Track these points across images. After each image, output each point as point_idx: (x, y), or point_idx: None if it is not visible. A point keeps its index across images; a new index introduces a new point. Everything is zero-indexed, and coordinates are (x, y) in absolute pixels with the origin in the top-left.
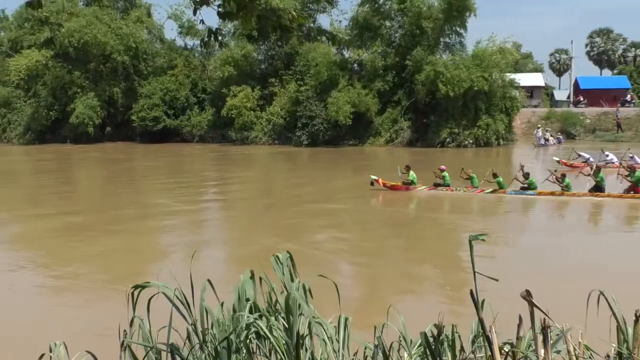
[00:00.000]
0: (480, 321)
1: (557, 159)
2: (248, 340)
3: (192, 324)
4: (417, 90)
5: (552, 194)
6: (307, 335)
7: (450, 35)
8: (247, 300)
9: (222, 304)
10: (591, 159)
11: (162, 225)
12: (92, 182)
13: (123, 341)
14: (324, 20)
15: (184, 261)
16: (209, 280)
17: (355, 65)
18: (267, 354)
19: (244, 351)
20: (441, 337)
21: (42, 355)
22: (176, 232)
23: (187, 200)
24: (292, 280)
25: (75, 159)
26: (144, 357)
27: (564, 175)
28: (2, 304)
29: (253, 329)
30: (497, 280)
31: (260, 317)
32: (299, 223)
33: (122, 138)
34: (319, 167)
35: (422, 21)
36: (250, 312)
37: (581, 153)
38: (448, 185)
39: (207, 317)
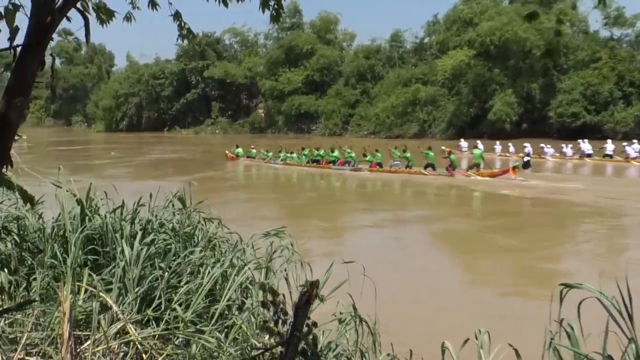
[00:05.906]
0: None
1: None
2: None
3: (630, 339)
4: None
5: None
6: None
7: None
8: None
9: None
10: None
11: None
12: None
13: (550, 341)
14: None
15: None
16: None
17: None
18: None
19: None
20: None
21: (467, 339)
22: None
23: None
24: None
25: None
26: None
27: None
28: (432, 293)
29: None
30: None
31: None
32: None
33: (538, 134)
34: None
35: None
36: None
37: None
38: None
39: None
